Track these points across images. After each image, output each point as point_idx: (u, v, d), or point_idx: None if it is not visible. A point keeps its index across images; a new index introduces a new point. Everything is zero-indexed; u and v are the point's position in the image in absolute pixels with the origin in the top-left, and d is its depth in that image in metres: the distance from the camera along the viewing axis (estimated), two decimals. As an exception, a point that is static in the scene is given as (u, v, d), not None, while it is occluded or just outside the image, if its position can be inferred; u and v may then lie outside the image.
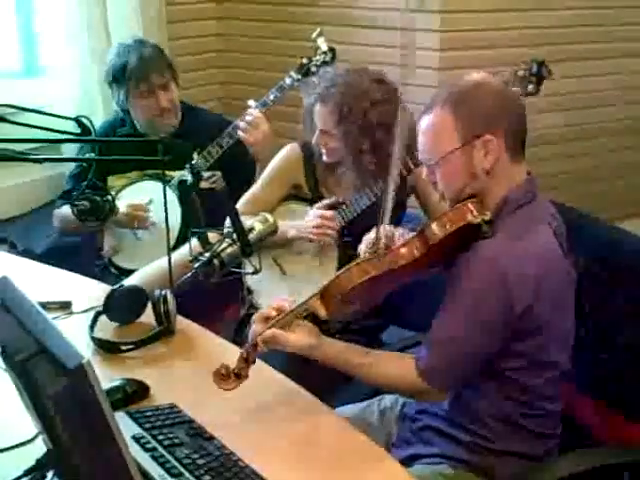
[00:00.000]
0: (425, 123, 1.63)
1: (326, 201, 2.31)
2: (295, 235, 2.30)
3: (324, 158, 2.33)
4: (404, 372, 1.63)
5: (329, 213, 2.27)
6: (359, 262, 1.61)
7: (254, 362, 1.58)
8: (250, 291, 2.42)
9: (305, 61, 2.60)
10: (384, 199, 1.77)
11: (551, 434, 1.71)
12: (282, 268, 2.38)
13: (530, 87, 2.08)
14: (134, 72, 2.62)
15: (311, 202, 2.38)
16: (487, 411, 1.66)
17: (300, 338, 1.60)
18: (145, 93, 2.65)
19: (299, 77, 2.58)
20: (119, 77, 2.66)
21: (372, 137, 2.22)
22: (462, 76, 1.67)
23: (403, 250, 1.59)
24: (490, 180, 1.60)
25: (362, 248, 1.93)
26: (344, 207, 2.30)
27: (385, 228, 1.73)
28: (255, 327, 1.62)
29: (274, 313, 1.61)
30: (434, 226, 1.57)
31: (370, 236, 1.85)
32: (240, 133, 2.59)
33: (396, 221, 2.39)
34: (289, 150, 2.44)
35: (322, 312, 1.60)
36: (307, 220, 2.30)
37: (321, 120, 2.26)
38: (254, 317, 1.66)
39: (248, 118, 2.57)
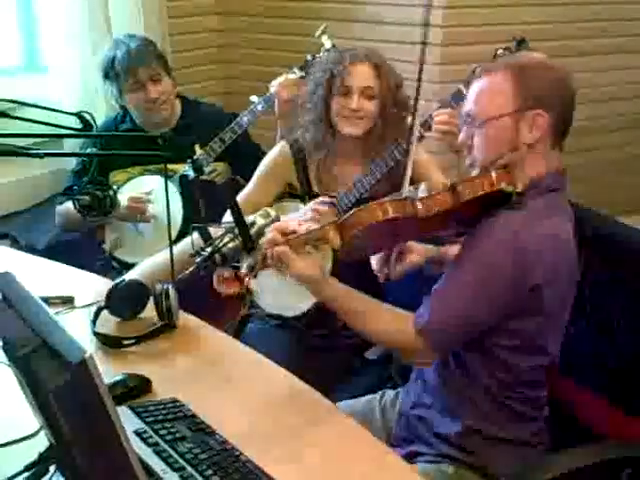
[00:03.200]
0: (482, 83, 1.64)
1: (322, 199, 2.31)
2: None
3: (353, 131, 2.27)
4: (401, 326, 1.63)
5: (324, 208, 2.26)
6: (384, 201, 1.59)
7: (256, 276, 1.56)
8: (249, 290, 2.42)
9: (309, 58, 2.60)
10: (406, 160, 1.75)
11: (536, 416, 1.72)
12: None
13: None
14: (121, 66, 2.63)
15: (303, 199, 2.38)
16: (472, 388, 1.66)
17: (306, 267, 1.59)
18: (134, 86, 2.66)
19: (302, 74, 2.58)
20: (109, 72, 2.68)
21: (400, 95, 2.29)
22: (531, 53, 1.72)
23: (430, 201, 1.58)
24: (528, 155, 1.61)
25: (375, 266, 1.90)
26: (339, 197, 2.30)
27: None
28: (270, 236, 1.60)
29: (292, 229, 1.60)
30: (467, 184, 1.57)
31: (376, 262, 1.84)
32: (274, 89, 2.56)
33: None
34: (279, 149, 2.44)
35: (336, 241, 1.59)
36: (301, 213, 2.29)
37: (361, 77, 2.25)
38: (272, 226, 1.64)
39: (291, 76, 2.55)
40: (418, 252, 1.83)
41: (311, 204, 2.28)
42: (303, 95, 2.41)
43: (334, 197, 2.30)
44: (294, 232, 1.60)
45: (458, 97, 2.20)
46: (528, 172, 1.61)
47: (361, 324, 1.67)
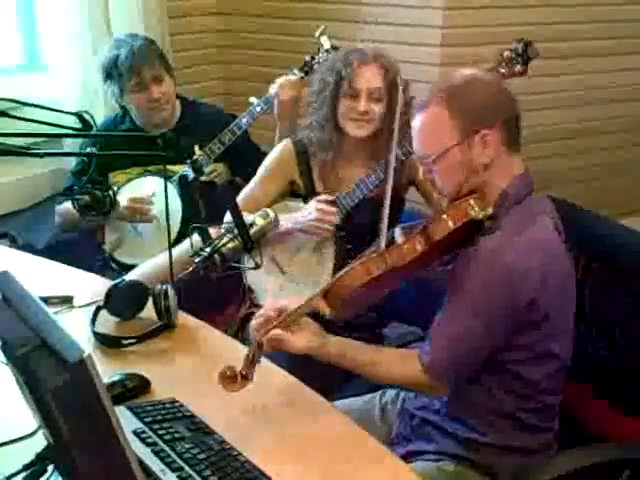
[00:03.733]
0: (420, 121, 1.63)
1: (325, 196, 2.30)
2: (289, 228, 2.28)
3: (359, 133, 2.26)
4: (408, 369, 1.63)
5: (328, 207, 2.26)
6: (363, 261, 1.60)
7: (259, 362, 1.57)
8: (251, 290, 2.42)
9: (308, 59, 2.60)
10: (384, 196, 1.76)
11: (548, 427, 1.72)
12: (280, 267, 2.38)
13: (517, 68, 2.07)
14: (125, 66, 2.62)
15: (306, 198, 2.37)
16: (486, 405, 1.66)
17: (304, 340, 1.59)
18: (137, 86, 2.65)
19: (302, 75, 2.58)
20: (111, 72, 2.66)
21: (406, 96, 2.26)
22: (452, 72, 1.67)
23: (406, 247, 1.58)
24: (489, 173, 1.60)
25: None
26: (342, 197, 2.30)
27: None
28: (258, 321, 1.61)
29: (273, 314, 1.61)
30: (437, 223, 1.57)
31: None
32: (273, 90, 2.56)
33: (397, 215, 2.41)
34: (282, 147, 2.43)
35: (326, 311, 1.60)
36: (306, 213, 2.28)
37: (369, 79, 2.23)
38: (255, 316, 1.65)
39: (291, 77, 2.55)
40: None
41: (314, 203, 2.28)
42: (306, 95, 2.40)
43: (336, 197, 2.30)
44: (280, 312, 1.60)
45: None
46: (495, 187, 1.61)
47: (372, 374, 1.68)
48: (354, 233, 2.32)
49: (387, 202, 1.84)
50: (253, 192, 2.40)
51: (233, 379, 1.52)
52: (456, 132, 1.58)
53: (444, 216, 1.58)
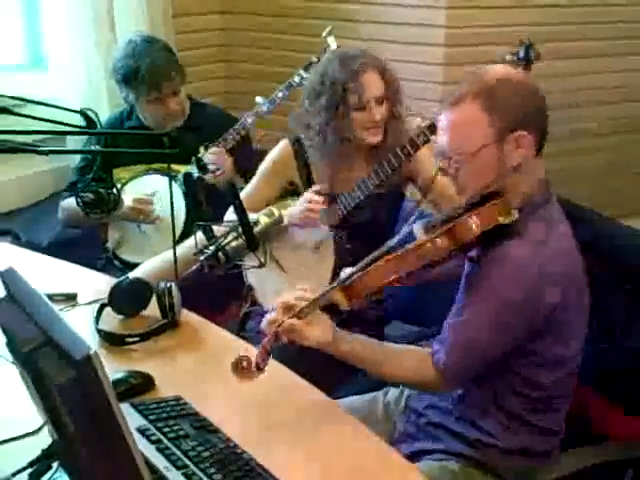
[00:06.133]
0: (454, 117, 1.60)
1: (315, 187, 2.30)
2: (286, 223, 2.29)
3: (375, 140, 2.26)
4: (421, 370, 1.63)
5: (315, 196, 2.26)
6: (390, 259, 1.58)
7: (272, 353, 1.57)
8: (251, 288, 2.43)
9: (314, 59, 2.59)
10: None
11: (557, 431, 1.71)
12: (281, 265, 2.38)
13: (519, 70, 2.08)
14: (147, 80, 2.60)
15: None
16: (496, 407, 1.66)
17: (318, 333, 1.59)
18: (156, 100, 2.65)
19: (308, 75, 2.58)
20: (129, 81, 2.64)
21: (402, 92, 2.29)
22: (485, 70, 1.64)
23: (431, 247, 1.57)
24: (517, 176, 1.59)
25: None
26: (344, 197, 2.30)
27: None
28: (275, 316, 1.60)
29: (294, 302, 1.60)
30: (464, 225, 1.55)
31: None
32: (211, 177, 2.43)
33: (397, 211, 2.42)
34: (281, 147, 2.43)
35: (344, 304, 1.59)
36: (297, 205, 2.29)
37: (374, 88, 2.23)
38: (275, 304, 1.63)
39: (212, 166, 2.36)
40: None
41: (305, 195, 2.28)
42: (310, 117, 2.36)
43: (337, 196, 2.30)
44: (301, 300, 1.59)
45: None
46: (519, 191, 1.60)
47: (382, 372, 1.68)
48: (353, 232, 2.33)
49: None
50: (253, 192, 2.41)
51: (248, 369, 1.52)
52: (491, 131, 1.57)
53: (472, 219, 1.56)
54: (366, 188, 2.27)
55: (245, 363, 1.53)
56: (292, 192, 2.43)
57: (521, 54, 2.07)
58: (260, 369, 1.53)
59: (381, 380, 1.81)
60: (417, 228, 1.64)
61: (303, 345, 1.59)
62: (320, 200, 2.25)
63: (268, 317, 1.59)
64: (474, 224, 1.55)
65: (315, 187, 2.30)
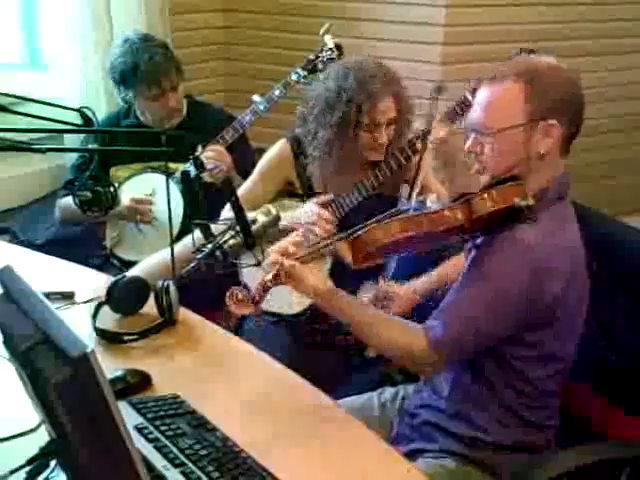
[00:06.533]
0: (492, 92, 1.60)
1: (322, 198, 2.30)
2: (287, 227, 2.28)
3: (378, 158, 2.26)
4: (413, 339, 1.62)
5: (327, 214, 2.24)
6: (401, 218, 1.58)
7: (268, 292, 1.56)
8: (247, 288, 2.42)
9: (311, 57, 2.59)
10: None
11: (550, 425, 1.72)
12: None
13: None
14: (146, 76, 2.61)
15: (303, 198, 2.37)
16: (490, 400, 1.66)
17: (317, 280, 1.59)
18: (156, 96, 2.65)
19: (305, 73, 2.58)
20: (128, 78, 2.64)
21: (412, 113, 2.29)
22: (535, 58, 1.66)
23: (445, 214, 1.57)
24: (540, 164, 1.59)
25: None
26: (342, 198, 2.29)
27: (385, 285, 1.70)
28: (274, 257, 1.59)
29: (293, 249, 1.59)
30: (480, 199, 1.56)
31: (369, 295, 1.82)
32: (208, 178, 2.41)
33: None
34: (279, 147, 2.43)
35: (347, 256, 1.59)
36: (303, 212, 2.28)
37: (387, 111, 2.22)
38: (273, 248, 1.63)
39: (210, 165, 2.39)
40: (399, 304, 1.95)
41: (312, 206, 2.27)
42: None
43: (334, 199, 2.30)
44: (297, 245, 1.60)
45: (458, 112, 2.18)
46: (538, 181, 1.60)
47: (371, 335, 1.67)
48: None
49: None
50: (250, 191, 2.40)
51: (244, 301, 1.52)
52: (526, 113, 1.57)
53: (490, 194, 1.56)
54: (364, 190, 2.27)
55: (241, 295, 1.52)
56: (289, 192, 2.43)
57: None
58: (255, 303, 1.53)
59: (376, 381, 1.81)
60: (431, 198, 1.63)
61: (298, 289, 1.59)
62: (330, 220, 2.23)
63: (274, 247, 1.58)
64: (489, 199, 1.55)
65: (322, 198, 2.28)
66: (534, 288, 1.54)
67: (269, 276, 1.56)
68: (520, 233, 1.56)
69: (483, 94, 1.62)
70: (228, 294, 1.52)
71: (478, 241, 1.66)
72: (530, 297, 1.55)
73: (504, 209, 1.55)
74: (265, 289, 1.55)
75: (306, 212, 2.26)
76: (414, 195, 1.67)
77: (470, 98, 2.08)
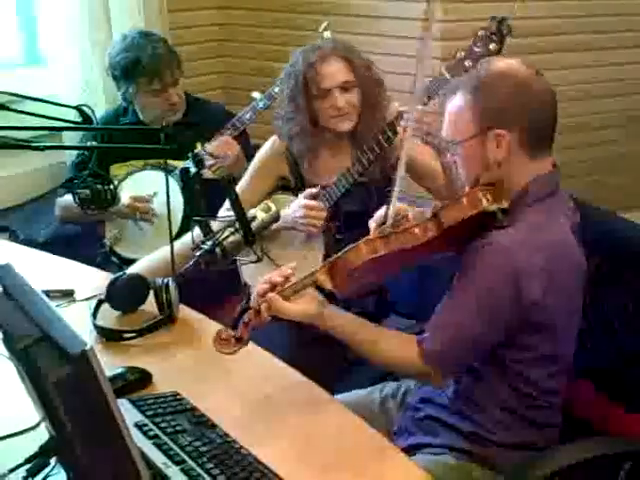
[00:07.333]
0: (449, 105, 1.63)
1: (310, 190, 2.31)
2: (279, 225, 2.28)
3: (345, 127, 2.27)
4: (405, 352, 1.62)
5: (313, 203, 2.26)
6: (369, 239, 1.59)
7: (255, 328, 1.56)
8: (247, 285, 2.42)
9: None
10: (396, 177, 1.73)
11: (553, 424, 1.72)
12: (273, 260, 2.37)
13: (492, 46, 2.08)
14: (148, 70, 2.60)
15: (296, 192, 2.38)
16: (490, 400, 1.66)
17: (300, 307, 1.58)
18: (157, 91, 2.65)
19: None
20: (130, 72, 2.63)
21: (375, 74, 2.30)
22: (492, 61, 1.66)
23: (416, 231, 1.57)
24: (503, 172, 1.59)
25: (372, 224, 1.88)
26: (329, 188, 2.30)
27: (398, 207, 1.69)
28: (258, 290, 1.60)
29: (279, 279, 1.59)
30: (449, 210, 1.56)
31: (380, 213, 1.81)
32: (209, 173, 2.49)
33: (386, 195, 2.42)
34: (271, 144, 2.44)
35: (328, 285, 1.59)
36: (292, 210, 2.29)
37: (336, 74, 2.24)
38: (260, 281, 1.63)
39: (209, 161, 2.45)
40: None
41: (300, 200, 2.28)
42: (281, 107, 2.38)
43: (324, 188, 2.31)
44: (285, 278, 1.59)
45: (433, 88, 2.17)
46: (514, 185, 1.60)
47: (368, 353, 1.67)
48: (343, 223, 2.33)
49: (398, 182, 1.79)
50: (245, 189, 2.40)
51: (227, 341, 1.53)
52: (474, 125, 1.59)
53: (457, 204, 1.57)
54: (351, 177, 2.27)
55: (224, 335, 1.53)
56: (283, 186, 2.44)
57: (493, 28, 2.07)
58: (239, 341, 1.53)
59: (378, 376, 1.81)
60: (410, 214, 1.64)
61: (287, 319, 1.58)
62: (320, 208, 2.25)
63: (257, 288, 1.59)
64: (457, 209, 1.55)
65: (308, 191, 2.30)
66: (514, 292, 1.54)
67: (251, 312, 1.56)
68: (496, 236, 1.56)
69: (445, 105, 1.65)
70: (213, 337, 1.53)
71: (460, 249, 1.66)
72: (512, 300, 1.55)
73: (476, 215, 1.55)
74: (247, 325, 1.54)
75: (294, 207, 2.27)
76: (390, 214, 1.67)
77: (446, 74, 2.12)
